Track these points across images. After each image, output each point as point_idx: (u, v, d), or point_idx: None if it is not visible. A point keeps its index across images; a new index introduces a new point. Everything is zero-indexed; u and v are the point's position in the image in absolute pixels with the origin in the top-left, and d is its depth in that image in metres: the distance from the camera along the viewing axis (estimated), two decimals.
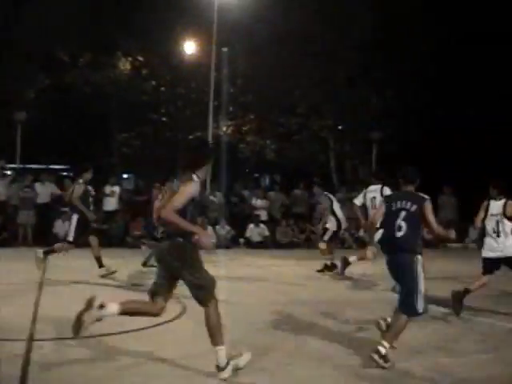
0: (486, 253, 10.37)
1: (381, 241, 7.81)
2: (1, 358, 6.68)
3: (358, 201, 14.25)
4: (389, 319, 7.63)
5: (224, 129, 29.08)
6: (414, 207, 7.49)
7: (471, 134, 29.38)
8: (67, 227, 13.75)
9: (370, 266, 14.55)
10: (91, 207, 13.79)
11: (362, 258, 13.42)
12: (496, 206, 10.35)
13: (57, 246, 13.45)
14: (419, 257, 7.34)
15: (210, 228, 22.18)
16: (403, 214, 7.48)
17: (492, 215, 10.33)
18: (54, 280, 12.45)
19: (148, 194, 23.12)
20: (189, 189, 6.40)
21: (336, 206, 15.91)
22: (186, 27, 26.81)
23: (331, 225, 15.57)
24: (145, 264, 14.85)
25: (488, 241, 10.33)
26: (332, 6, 26.37)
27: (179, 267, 6.49)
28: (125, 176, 31.47)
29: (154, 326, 8.24)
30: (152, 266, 13.82)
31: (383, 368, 6.86)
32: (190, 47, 28.06)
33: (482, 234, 10.60)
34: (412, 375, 6.74)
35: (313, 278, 14.43)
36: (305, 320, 9.40)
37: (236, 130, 30.09)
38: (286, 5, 25.82)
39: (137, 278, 13.58)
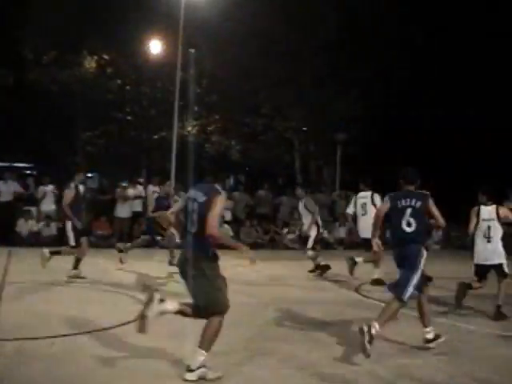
0: (479, 260, 10.58)
1: (391, 236, 8.46)
2: None
3: (350, 210, 14.60)
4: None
5: (189, 129, 28.99)
6: (419, 203, 8.14)
7: (437, 134, 29.66)
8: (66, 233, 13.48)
9: (342, 267, 14.69)
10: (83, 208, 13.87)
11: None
12: (487, 211, 10.60)
13: (63, 249, 13.46)
14: (424, 251, 8.06)
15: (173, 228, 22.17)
16: (409, 210, 8.13)
17: (484, 220, 10.57)
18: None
19: (112, 194, 23.06)
20: (221, 203, 6.70)
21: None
22: (152, 26, 26.70)
23: (314, 232, 15.36)
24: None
25: (479, 247, 10.54)
26: (297, 5, 26.42)
27: (197, 277, 6.62)
28: (89, 175, 31.29)
29: (120, 325, 8.25)
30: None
31: (367, 343, 7.16)
32: (155, 46, 27.94)
33: (473, 239, 10.76)
34: (374, 376, 6.81)
35: (277, 279, 14.48)
36: (268, 321, 9.44)
37: (201, 130, 30.01)
38: (252, 5, 25.83)
39: (101, 276, 13.53)
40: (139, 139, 28.84)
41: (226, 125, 30.33)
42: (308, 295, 12.27)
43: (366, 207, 14.13)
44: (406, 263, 8.01)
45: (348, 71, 27.81)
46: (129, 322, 8.47)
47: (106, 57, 28.17)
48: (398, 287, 7.91)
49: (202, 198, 6.69)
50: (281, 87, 27.81)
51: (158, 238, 15.62)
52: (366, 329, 7.29)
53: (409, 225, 8.12)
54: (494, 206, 10.64)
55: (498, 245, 10.52)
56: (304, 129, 30.60)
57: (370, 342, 7.21)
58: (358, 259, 13.79)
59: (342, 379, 6.71)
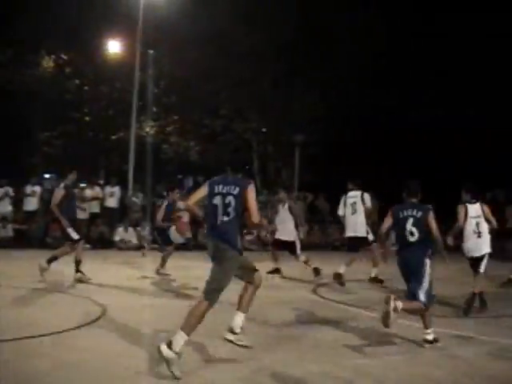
0: (472, 253, 11.05)
1: (398, 245, 8.72)
2: None
3: (341, 211, 14.57)
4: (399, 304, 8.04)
5: (147, 129, 28.91)
6: (420, 213, 8.55)
7: (397, 137, 29.90)
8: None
9: (300, 268, 14.78)
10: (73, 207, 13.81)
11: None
12: (473, 209, 11.15)
13: (77, 252, 13.35)
14: (427, 259, 8.41)
15: (131, 229, 22.10)
16: (411, 220, 8.55)
17: (472, 217, 11.07)
18: None
19: None
20: (254, 192, 7.26)
21: None
22: (111, 26, 26.59)
23: (297, 235, 15.32)
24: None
25: (470, 242, 10.98)
26: (256, 6, 26.47)
27: (218, 262, 7.26)
28: (46, 176, 31.03)
29: (75, 328, 8.23)
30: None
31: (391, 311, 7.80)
32: (114, 46, 27.85)
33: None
34: (330, 376, 6.84)
35: (234, 280, 14.47)
36: (225, 322, 9.45)
37: (159, 130, 29.95)
38: (211, 6, 25.83)
39: (59, 279, 13.44)
40: (97, 140, 28.70)
41: (184, 126, 30.30)
42: (265, 296, 12.25)
43: (356, 206, 14.31)
44: (413, 276, 8.38)
45: (308, 72, 27.98)
46: (86, 324, 8.49)
47: (64, 56, 28.01)
48: (414, 297, 8.29)
49: (235, 190, 7.17)
50: (240, 88, 27.85)
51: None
52: (392, 300, 7.88)
53: (412, 234, 8.53)
54: (479, 204, 11.22)
55: (487, 238, 11.11)
56: (263, 130, 30.69)
57: (394, 311, 7.84)
58: (342, 270, 13.79)
59: (299, 380, 6.72)
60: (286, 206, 15.27)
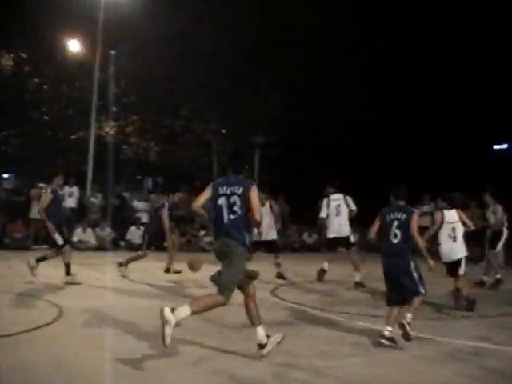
0: (449, 257, 11.54)
1: (383, 247, 9.09)
2: None
3: (324, 213, 14.90)
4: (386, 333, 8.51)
5: (107, 129, 28.75)
6: (404, 216, 8.92)
7: (358, 137, 30.11)
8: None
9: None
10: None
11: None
12: (450, 214, 11.68)
13: (64, 256, 13.37)
14: (412, 261, 8.82)
15: (89, 230, 22.00)
16: (396, 223, 8.92)
17: (448, 223, 11.60)
18: None
19: (27, 195, 22.71)
20: (256, 192, 7.64)
21: None
22: (72, 25, 26.39)
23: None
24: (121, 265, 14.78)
25: (446, 246, 11.43)
26: (218, 7, 26.47)
27: (228, 259, 7.55)
28: (5, 176, 30.77)
29: (30, 330, 8.21)
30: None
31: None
32: (75, 45, 27.66)
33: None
34: (289, 377, 6.90)
35: (192, 281, 14.48)
36: (183, 323, 9.47)
37: (119, 131, 29.79)
38: (174, 5, 25.74)
39: (16, 279, 13.36)
40: (56, 139, 28.47)
41: (144, 126, 30.17)
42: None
43: (340, 208, 14.85)
44: (404, 279, 8.76)
45: (270, 73, 28.08)
46: (43, 326, 8.47)
47: (23, 55, 27.75)
48: (413, 292, 8.77)
49: (239, 190, 7.56)
50: (200, 89, 27.82)
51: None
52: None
53: (395, 236, 8.89)
54: (455, 211, 11.72)
55: (462, 243, 11.65)
56: (223, 131, 30.69)
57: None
58: (325, 266, 14.68)
59: (255, 381, 6.77)
60: (267, 205, 15.41)
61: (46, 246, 15.66)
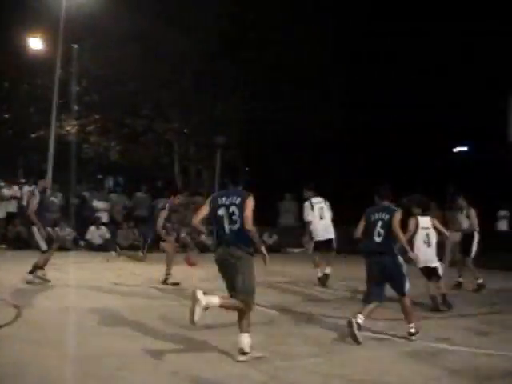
0: (425, 263, 11.50)
1: (364, 245, 9.45)
2: None
3: (310, 216, 14.98)
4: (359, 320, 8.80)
5: (68, 128, 28.49)
6: (387, 216, 9.19)
7: (318, 138, 30.16)
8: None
9: (212, 271, 14.75)
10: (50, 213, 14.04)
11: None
12: (424, 220, 11.88)
13: (38, 260, 13.36)
14: (398, 256, 9.13)
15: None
16: (380, 223, 9.20)
17: (423, 228, 11.78)
18: None
19: None
20: (252, 203, 7.99)
21: None
22: (33, 22, 26.13)
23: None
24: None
25: (421, 252, 11.33)
26: (180, 7, 26.41)
27: (237, 269, 7.82)
28: None
29: None
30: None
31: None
32: (36, 42, 27.37)
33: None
34: (248, 379, 6.89)
35: (152, 282, 14.43)
36: (140, 323, 9.42)
37: (80, 129, 29.55)
38: (136, 5, 25.60)
39: None
40: (16, 138, 28.17)
41: (105, 125, 29.95)
42: (183, 299, 12.28)
43: (323, 211, 15.04)
44: (387, 273, 9.09)
45: (232, 73, 28.08)
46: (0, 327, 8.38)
47: None
48: (399, 290, 9.15)
49: (237, 200, 7.89)
50: (162, 88, 27.74)
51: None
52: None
53: (379, 235, 9.20)
54: (429, 217, 12.00)
55: (434, 249, 11.88)
56: (184, 131, 30.60)
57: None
58: (328, 271, 14.79)
59: (215, 382, 6.77)
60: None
61: (4, 246, 15.53)
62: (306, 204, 15.08)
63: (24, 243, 20.93)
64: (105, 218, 23.65)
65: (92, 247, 22.14)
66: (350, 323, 8.70)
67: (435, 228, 11.93)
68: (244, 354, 7.62)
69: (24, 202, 21.81)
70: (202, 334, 8.81)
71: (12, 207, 22.22)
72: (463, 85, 29.72)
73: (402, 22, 30.52)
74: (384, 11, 30.80)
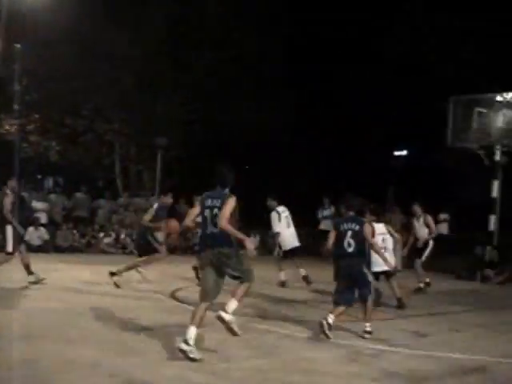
0: (382, 267, 11.71)
1: (335, 254, 9.92)
2: None
3: (278, 227, 15.37)
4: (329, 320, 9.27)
5: (7, 127, 28.06)
6: (358, 227, 9.74)
7: (253, 140, 30.25)
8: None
9: (153, 273, 14.72)
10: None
11: None
12: (379, 227, 12.30)
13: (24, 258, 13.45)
14: (365, 268, 9.77)
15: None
16: (350, 233, 9.71)
17: (379, 234, 12.15)
18: None
19: None
20: (230, 204, 8.12)
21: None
22: None
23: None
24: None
25: (376, 257, 11.39)
26: (124, 7, 26.25)
27: (227, 266, 8.15)
28: None
29: None
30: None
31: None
32: None
33: None
34: (189, 380, 6.85)
35: (93, 284, 14.31)
36: (82, 327, 9.34)
37: (20, 129, 29.11)
38: (78, 4, 25.33)
39: None
40: None
41: (45, 125, 29.58)
42: (124, 301, 12.20)
43: (288, 220, 15.53)
44: (358, 284, 9.64)
45: (174, 75, 28.02)
46: None
47: None
48: (363, 295, 9.65)
49: (219, 203, 8.16)
50: (103, 88, 27.50)
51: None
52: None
53: (349, 245, 9.68)
54: (383, 224, 12.61)
55: (391, 253, 12.39)
56: (126, 131, 30.37)
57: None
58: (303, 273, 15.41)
59: None
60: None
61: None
62: (273, 215, 15.39)
63: None
64: (44, 218, 23.31)
65: (30, 248, 21.75)
66: (321, 324, 9.16)
67: (390, 234, 12.57)
68: (226, 313, 8.12)
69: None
70: (141, 337, 8.77)
71: None
72: (403, 89, 30.07)
73: (349, 20, 30.93)
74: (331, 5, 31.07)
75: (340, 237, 9.78)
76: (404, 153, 38.05)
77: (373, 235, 11.64)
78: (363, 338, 9.38)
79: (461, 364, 8.24)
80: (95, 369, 7.09)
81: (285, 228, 15.34)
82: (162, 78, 28.15)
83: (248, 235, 8.78)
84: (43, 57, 25.88)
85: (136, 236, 16.85)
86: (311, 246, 20.67)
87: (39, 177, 35.01)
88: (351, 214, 10.01)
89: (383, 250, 11.77)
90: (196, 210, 8.62)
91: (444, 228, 24.01)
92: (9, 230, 13.21)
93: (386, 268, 11.71)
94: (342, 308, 9.50)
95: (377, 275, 11.95)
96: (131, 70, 27.52)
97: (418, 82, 28.94)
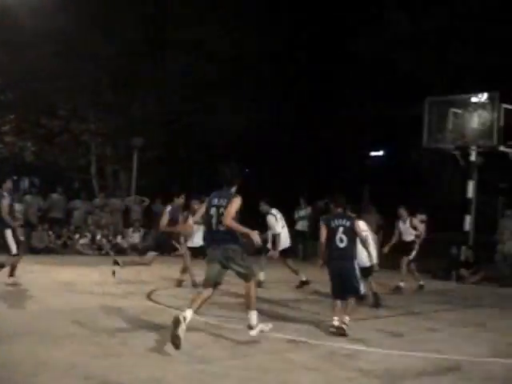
0: (364, 263, 11.76)
1: (327, 251, 10.22)
2: None
3: (279, 228, 15.53)
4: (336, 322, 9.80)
5: None
6: (349, 223, 10.13)
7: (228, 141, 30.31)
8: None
9: (129, 274, 14.65)
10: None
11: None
12: (360, 224, 11.94)
13: (5, 260, 13.33)
14: (355, 260, 10.19)
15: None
16: (341, 229, 10.05)
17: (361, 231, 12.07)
18: None
19: None
20: (235, 203, 8.62)
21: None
22: None
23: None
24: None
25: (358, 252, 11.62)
26: (97, 8, 26.15)
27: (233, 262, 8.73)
28: None
29: None
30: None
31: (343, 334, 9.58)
32: None
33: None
34: (162, 382, 6.81)
35: (69, 285, 14.22)
36: (58, 328, 9.28)
37: None
38: (55, 5, 25.19)
39: None
40: None
41: (20, 125, 29.41)
42: (100, 302, 12.12)
43: (282, 221, 15.85)
44: (348, 279, 10.04)
45: (149, 75, 27.99)
46: None
47: None
48: (352, 292, 10.10)
49: (225, 202, 8.62)
50: (79, 89, 27.40)
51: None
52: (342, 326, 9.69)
53: (341, 241, 10.03)
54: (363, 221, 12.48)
55: (374, 250, 12.37)
56: (101, 132, 30.26)
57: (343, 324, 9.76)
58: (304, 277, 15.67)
59: None
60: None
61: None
62: (270, 217, 15.55)
63: None
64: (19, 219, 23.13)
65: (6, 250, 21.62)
66: (331, 327, 9.75)
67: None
68: (252, 328, 8.69)
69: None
70: (116, 339, 8.72)
71: None
72: (380, 90, 30.21)
73: (323, 19, 31.05)
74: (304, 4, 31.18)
75: (332, 233, 10.09)
76: (380, 153, 38.25)
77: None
78: (342, 330, 9.61)
79: (436, 363, 8.28)
80: (70, 371, 7.03)
81: (280, 229, 15.62)
82: (137, 78, 28.09)
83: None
84: (18, 57, 25.74)
85: (154, 239, 16.69)
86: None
87: (15, 178, 34.77)
88: (339, 210, 10.36)
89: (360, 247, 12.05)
90: (203, 208, 9.09)
91: (422, 229, 24.19)
92: (8, 232, 13.20)
93: (367, 264, 11.80)
94: (352, 302, 10.07)
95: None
96: (106, 69, 27.44)
97: (395, 82, 29.09)
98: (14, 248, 13.27)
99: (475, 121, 20.01)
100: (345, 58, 31.17)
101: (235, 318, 10.54)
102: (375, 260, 12.13)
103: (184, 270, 14.65)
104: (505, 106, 19.40)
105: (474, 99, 20.01)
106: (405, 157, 31.21)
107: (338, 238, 10.03)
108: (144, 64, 27.74)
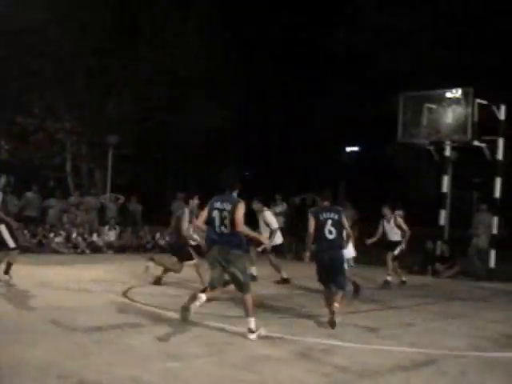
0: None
1: (317, 243, 10.49)
2: None
3: (276, 224, 16.03)
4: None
5: None
6: (337, 216, 10.41)
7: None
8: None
9: (105, 272, 14.60)
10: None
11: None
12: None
13: (8, 258, 13.41)
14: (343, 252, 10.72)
15: None
16: (330, 222, 10.34)
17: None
18: None
19: None
20: (241, 209, 8.96)
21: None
22: None
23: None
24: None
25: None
26: (70, 6, 26.04)
27: (234, 266, 9.02)
28: None
29: None
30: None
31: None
32: None
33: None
34: (139, 381, 6.78)
35: (45, 284, 14.14)
36: (34, 327, 9.23)
37: None
38: (26, 2, 25.05)
39: None
40: None
41: None
42: (76, 301, 12.07)
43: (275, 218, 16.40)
44: (337, 271, 10.40)
45: (122, 72, 27.91)
46: None
47: None
48: (339, 285, 10.40)
49: (229, 207, 8.93)
50: (53, 87, 27.26)
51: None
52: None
53: (330, 233, 10.31)
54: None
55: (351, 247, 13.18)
56: (76, 130, 30.12)
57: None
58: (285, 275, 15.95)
59: None
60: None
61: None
62: (268, 213, 15.94)
63: None
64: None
65: None
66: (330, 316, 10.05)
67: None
68: (253, 332, 8.88)
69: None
70: (92, 337, 8.68)
71: None
72: (355, 85, 30.31)
73: (297, 17, 31.15)
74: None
75: (320, 225, 10.33)
76: (356, 148, 38.33)
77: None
78: (333, 313, 9.98)
79: (412, 357, 8.33)
80: (45, 370, 6.98)
81: (277, 224, 16.19)
82: (111, 76, 27.99)
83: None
84: None
85: (169, 240, 16.58)
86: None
87: None
88: (326, 204, 10.64)
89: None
90: (206, 212, 9.21)
91: (406, 228, 24.37)
92: (2, 228, 13.16)
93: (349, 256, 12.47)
94: (339, 294, 10.31)
95: None
96: (80, 67, 27.33)
97: (370, 77, 29.19)
98: (11, 242, 13.30)
99: (450, 116, 20.09)
100: (320, 55, 31.25)
101: (211, 315, 10.53)
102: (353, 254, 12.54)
103: (165, 271, 14.56)
104: (479, 101, 19.49)
105: (448, 94, 20.08)
106: (380, 152, 31.29)
107: (326, 229, 10.30)
108: (118, 62, 27.61)
